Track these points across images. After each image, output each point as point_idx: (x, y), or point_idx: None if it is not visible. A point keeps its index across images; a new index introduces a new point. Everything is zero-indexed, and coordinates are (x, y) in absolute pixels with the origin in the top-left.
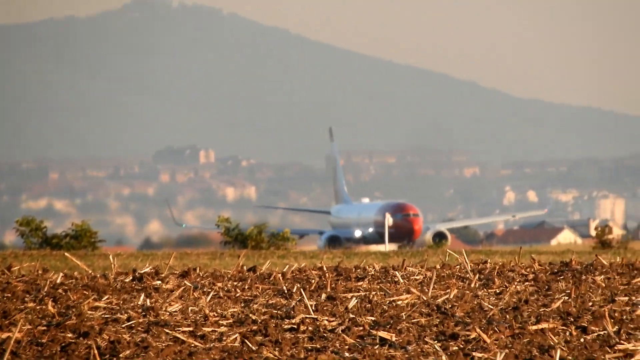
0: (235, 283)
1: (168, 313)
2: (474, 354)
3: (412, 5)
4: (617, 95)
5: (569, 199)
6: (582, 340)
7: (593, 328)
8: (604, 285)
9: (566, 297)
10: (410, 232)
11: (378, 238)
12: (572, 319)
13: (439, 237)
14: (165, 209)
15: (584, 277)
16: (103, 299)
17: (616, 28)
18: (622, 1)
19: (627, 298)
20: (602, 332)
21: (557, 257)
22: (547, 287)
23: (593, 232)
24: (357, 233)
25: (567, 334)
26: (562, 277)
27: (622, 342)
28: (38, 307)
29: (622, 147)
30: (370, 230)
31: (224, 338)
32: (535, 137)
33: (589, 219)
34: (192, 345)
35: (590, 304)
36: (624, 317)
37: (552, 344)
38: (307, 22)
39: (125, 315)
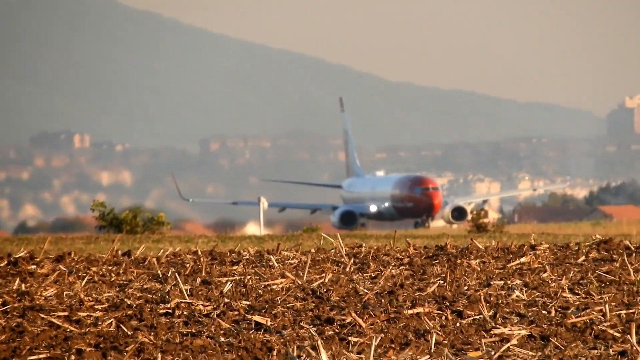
0: (110, 267)
1: (43, 298)
2: (349, 338)
3: None
4: (489, 79)
5: (444, 183)
6: (457, 324)
7: (469, 312)
8: (479, 269)
9: (441, 282)
10: (429, 207)
11: (394, 213)
12: (447, 303)
13: (458, 212)
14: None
15: (459, 261)
16: None
17: (488, 8)
18: None
19: (502, 282)
20: (477, 317)
21: (432, 241)
22: (422, 271)
23: (469, 216)
24: (373, 208)
25: (443, 318)
26: (437, 261)
27: (497, 326)
28: None
29: (496, 131)
30: (386, 204)
31: (99, 323)
32: (410, 121)
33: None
34: (68, 330)
35: (466, 288)
36: (500, 301)
37: (428, 328)
38: (176, 6)
39: (0, 300)
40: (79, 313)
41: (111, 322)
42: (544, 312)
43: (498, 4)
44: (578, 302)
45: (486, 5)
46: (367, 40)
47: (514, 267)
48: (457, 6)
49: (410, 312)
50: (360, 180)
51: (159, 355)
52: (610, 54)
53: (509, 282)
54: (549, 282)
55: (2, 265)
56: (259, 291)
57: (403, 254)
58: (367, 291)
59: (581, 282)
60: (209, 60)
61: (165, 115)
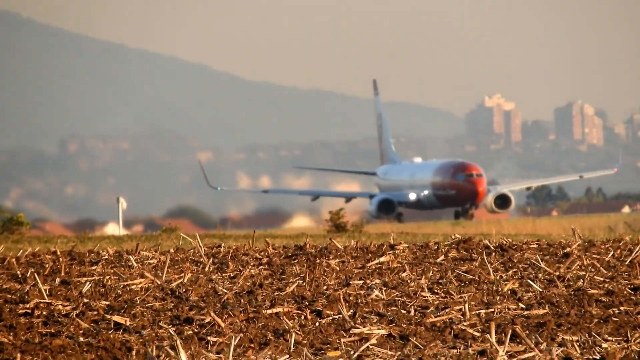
0: None
1: None
2: (208, 338)
3: None
4: (348, 79)
5: (302, 184)
6: (317, 324)
7: (328, 312)
8: (338, 268)
9: (301, 281)
10: (473, 195)
11: (435, 201)
12: (306, 303)
13: (502, 199)
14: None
15: (318, 260)
16: None
17: (344, 6)
18: None
19: (361, 281)
20: (337, 316)
21: (292, 241)
22: (281, 270)
23: (327, 216)
24: (412, 196)
25: (302, 317)
26: (296, 261)
27: (357, 325)
28: None
29: (355, 130)
30: (426, 192)
31: None
32: (268, 120)
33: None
34: None
35: (325, 287)
36: (359, 300)
37: (287, 327)
38: (35, 6)
39: None
40: None
41: None
42: (403, 311)
43: (351, 2)
44: (437, 302)
45: (342, 3)
46: (225, 39)
47: (373, 267)
48: (315, 5)
49: (269, 311)
50: (397, 166)
51: (18, 355)
52: (469, 53)
53: (368, 281)
54: (409, 281)
55: None
56: (118, 291)
57: (262, 253)
58: (226, 291)
59: (440, 281)
60: (66, 59)
61: (22, 115)
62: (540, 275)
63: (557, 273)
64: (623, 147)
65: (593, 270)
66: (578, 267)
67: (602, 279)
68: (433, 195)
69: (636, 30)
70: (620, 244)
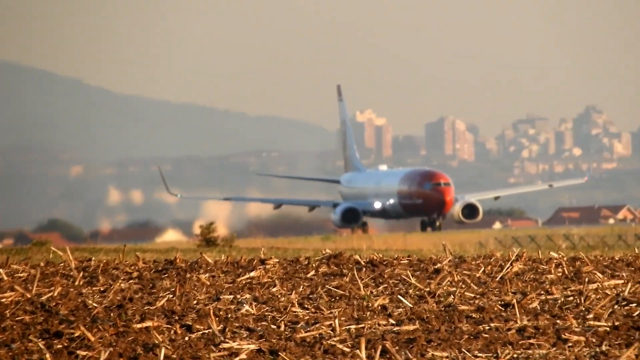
0: None
1: None
2: (78, 352)
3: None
4: (220, 93)
5: (176, 200)
6: (187, 338)
7: (198, 326)
8: (208, 283)
9: (171, 296)
10: (441, 204)
11: (401, 211)
12: (176, 318)
13: (469, 209)
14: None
15: (188, 275)
16: None
17: (220, 21)
18: None
19: (232, 296)
20: (207, 331)
21: (162, 255)
22: (151, 285)
23: (198, 230)
24: (377, 205)
25: (172, 332)
26: (166, 275)
27: (227, 340)
28: None
29: (226, 145)
30: (392, 201)
31: None
32: (139, 134)
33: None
34: None
35: (195, 302)
36: (229, 315)
37: (157, 342)
38: None
39: None
40: None
41: None
42: (273, 326)
43: (219, 15)
44: (308, 317)
45: (218, 17)
46: (97, 53)
47: (244, 282)
48: (190, 21)
49: (139, 326)
50: (362, 174)
51: None
52: (339, 68)
53: (238, 296)
54: (279, 296)
55: None
56: None
57: (132, 267)
58: (96, 305)
59: (311, 296)
60: None
61: None
62: (410, 291)
63: (428, 289)
64: (493, 163)
65: (464, 286)
66: (449, 283)
67: (472, 295)
68: (399, 204)
69: (506, 44)
70: (491, 260)
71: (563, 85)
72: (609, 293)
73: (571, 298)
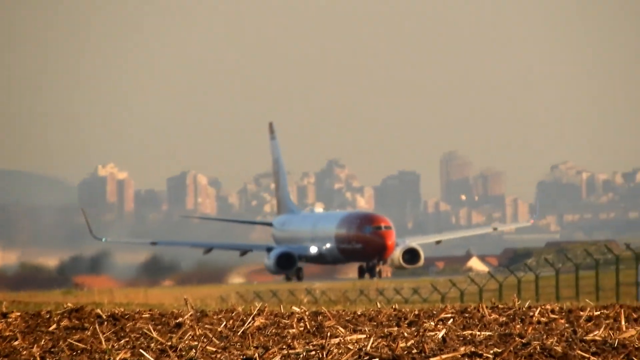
0: None
1: None
2: None
3: None
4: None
5: None
6: None
7: None
8: None
9: None
10: (382, 249)
11: (339, 256)
12: None
13: (410, 254)
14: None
15: None
16: None
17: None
18: None
19: None
20: None
21: None
22: None
23: None
24: (313, 249)
25: None
26: None
27: None
28: None
29: None
30: (328, 245)
31: None
32: None
33: None
34: None
35: None
36: None
37: None
38: None
39: None
40: None
41: None
42: None
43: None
44: None
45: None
46: None
47: None
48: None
49: None
50: (297, 217)
51: None
52: (83, 124)
53: None
54: (21, 350)
55: None
56: None
57: None
58: None
59: (52, 350)
60: None
61: None
62: (152, 345)
63: (170, 343)
64: (236, 216)
65: (205, 340)
66: (190, 337)
67: (214, 349)
68: (337, 249)
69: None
70: (233, 314)
71: (305, 139)
72: (352, 347)
73: (313, 352)
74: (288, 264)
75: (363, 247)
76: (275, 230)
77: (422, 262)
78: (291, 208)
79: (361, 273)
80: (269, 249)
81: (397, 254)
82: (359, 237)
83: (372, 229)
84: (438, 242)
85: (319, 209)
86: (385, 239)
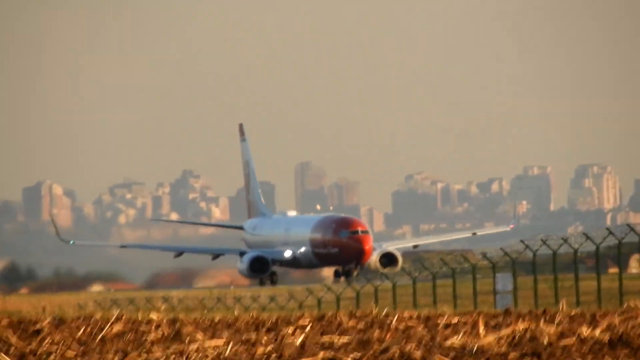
0: None
1: None
2: None
3: None
4: None
5: None
6: None
7: None
8: None
9: None
10: (359, 253)
11: (314, 260)
12: None
13: (387, 258)
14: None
15: None
16: None
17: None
18: None
19: None
20: None
21: None
22: None
23: None
24: (287, 253)
25: None
26: None
27: None
28: None
29: None
30: (303, 249)
31: None
32: None
33: None
34: None
35: None
36: None
37: None
38: None
39: None
40: None
41: None
42: None
43: None
44: None
45: None
46: None
47: None
48: None
49: None
50: (269, 220)
51: None
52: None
53: None
54: None
55: None
56: None
57: None
58: None
59: None
60: None
61: None
62: (12, 350)
63: (29, 348)
64: (91, 227)
65: (64, 346)
66: (49, 342)
67: (74, 354)
68: (312, 253)
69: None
70: (91, 321)
71: (160, 149)
72: (211, 352)
73: (173, 357)
74: (262, 268)
75: (340, 251)
76: (246, 234)
77: (399, 266)
78: (263, 211)
79: (337, 276)
80: (241, 253)
81: (374, 259)
82: (335, 242)
83: (348, 234)
84: (415, 247)
85: (291, 212)
86: (362, 243)
